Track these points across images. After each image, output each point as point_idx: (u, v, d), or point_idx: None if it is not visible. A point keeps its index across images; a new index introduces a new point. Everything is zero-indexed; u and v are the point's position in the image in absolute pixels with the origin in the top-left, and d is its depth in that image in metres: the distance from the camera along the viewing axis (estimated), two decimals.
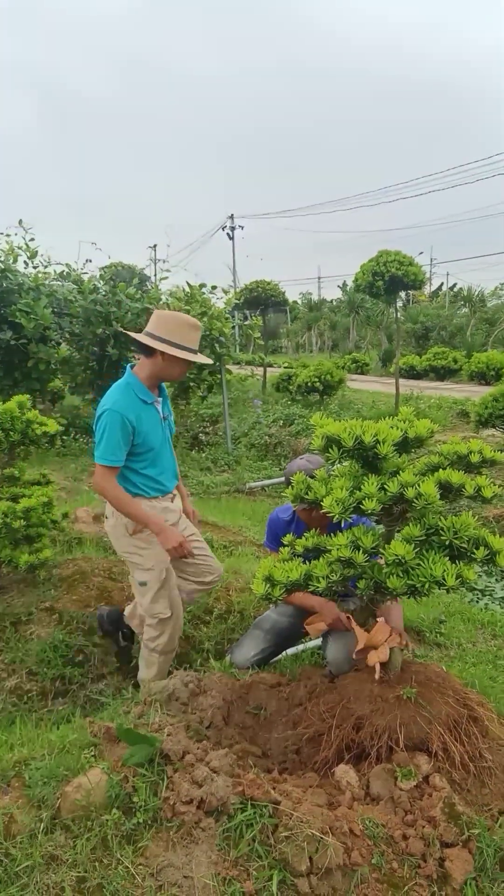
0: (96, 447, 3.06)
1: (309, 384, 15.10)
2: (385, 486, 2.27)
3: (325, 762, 2.55)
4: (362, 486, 2.27)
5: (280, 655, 3.72)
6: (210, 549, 3.63)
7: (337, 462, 2.37)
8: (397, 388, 12.81)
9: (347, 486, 2.31)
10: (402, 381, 18.76)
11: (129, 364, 3.30)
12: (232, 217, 43.12)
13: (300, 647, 3.92)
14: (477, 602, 6.22)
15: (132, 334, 3.20)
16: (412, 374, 23.42)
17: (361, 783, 2.39)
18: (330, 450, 2.35)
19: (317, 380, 14.99)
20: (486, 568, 7.18)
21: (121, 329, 8.25)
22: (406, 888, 2.08)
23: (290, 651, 3.84)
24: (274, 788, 2.30)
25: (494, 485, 2.26)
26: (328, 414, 10.53)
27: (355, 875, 2.08)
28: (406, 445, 2.40)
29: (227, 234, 43.06)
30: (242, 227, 43.62)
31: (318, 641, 3.92)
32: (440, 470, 2.31)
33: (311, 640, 4.05)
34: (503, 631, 4.98)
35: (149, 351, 3.12)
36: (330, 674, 3.08)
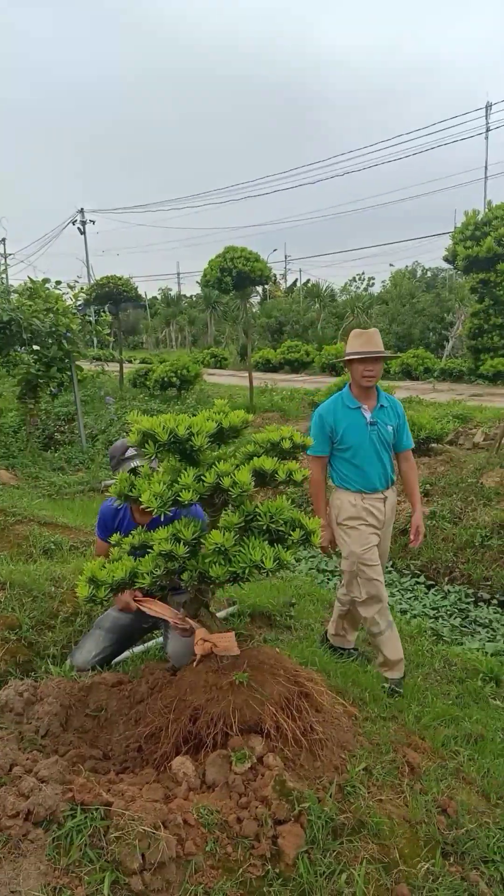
0: None
1: (166, 379, 15.04)
2: (203, 477, 2.28)
3: (165, 757, 2.54)
4: (180, 479, 2.27)
5: (126, 654, 3.66)
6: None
7: (154, 456, 2.35)
8: (251, 382, 13.02)
9: (166, 480, 2.30)
10: (258, 374, 19.09)
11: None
12: (82, 211, 42.03)
13: (149, 643, 3.89)
14: (328, 582, 6.44)
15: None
16: (268, 367, 23.91)
17: (198, 773, 2.40)
18: (146, 445, 2.33)
19: (173, 375, 14.95)
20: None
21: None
22: (240, 871, 2.11)
23: (138, 649, 3.80)
24: (109, 790, 2.26)
25: (305, 469, 2.32)
26: (185, 408, 10.51)
27: (189, 865, 2.08)
28: (222, 436, 2.42)
29: (79, 228, 41.95)
30: (94, 222, 42.64)
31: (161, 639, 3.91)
32: (255, 458, 2.34)
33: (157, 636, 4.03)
34: None
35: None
36: (172, 668, 3.07)
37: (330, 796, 2.36)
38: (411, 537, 3.92)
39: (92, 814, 2.12)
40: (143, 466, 2.62)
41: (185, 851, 2.10)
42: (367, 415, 3.73)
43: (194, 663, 2.70)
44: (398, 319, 23.96)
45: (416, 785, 2.67)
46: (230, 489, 2.23)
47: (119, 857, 2.03)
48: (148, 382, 16.22)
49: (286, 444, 2.39)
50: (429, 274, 36.09)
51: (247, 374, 14.22)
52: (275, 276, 40.39)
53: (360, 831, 2.34)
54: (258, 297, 38.48)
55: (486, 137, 31.26)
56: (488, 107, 31.04)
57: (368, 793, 2.48)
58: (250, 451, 2.46)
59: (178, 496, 2.23)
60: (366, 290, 38.30)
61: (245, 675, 2.51)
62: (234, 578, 2.30)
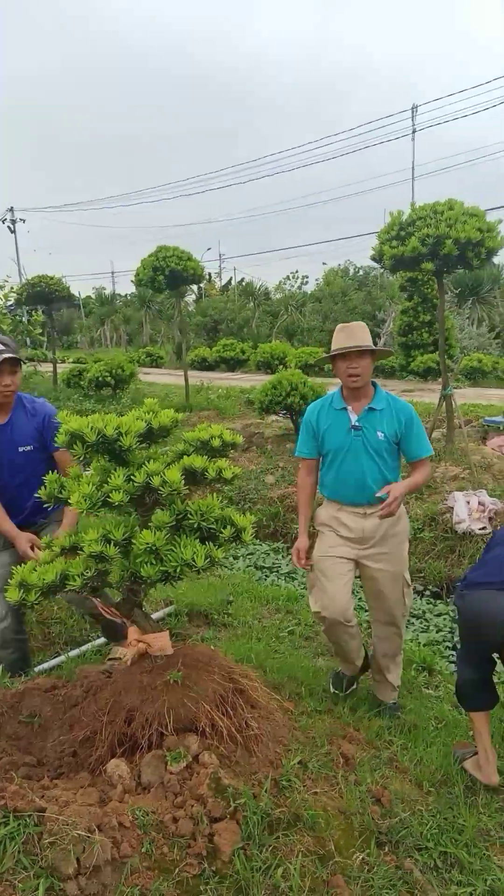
0: None
1: (101, 379, 14.84)
2: (132, 477, 2.26)
3: (100, 760, 2.51)
4: (110, 479, 2.25)
5: (60, 658, 3.61)
6: None
7: (83, 457, 2.32)
8: (186, 381, 12.99)
9: (95, 481, 2.27)
10: (194, 372, 19.04)
11: None
12: (12, 210, 41.06)
13: (85, 647, 3.84)
14: (265, 579, 6.48)
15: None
16: (204, 365, 23.87)
17: (133, 774, 2.38)
18: (75, 446, 2.29)
19: (108, 374, 14.78)
20: (274, 546, 7.52)
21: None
22: (177, 870, 2.10)
23: (73, 653, 3.75)
24: (42, 796, 2.22)
25: (235, 467, 2.33)
26: (121, 408, 10.39)
27: (125, 867, 2.06)
28: (152, 436, 2.41)
29: (9, 227, 40.98)
30: (24, 221, 41.75)
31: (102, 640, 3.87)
32: (185, 457, 2.34)
33: (98, 636, 3.98)
34: (286, 604, 5.24)
35: None
36: (107, 671, 3.04)
37: (265, 791, 2.38)
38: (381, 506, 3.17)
39: (25, 820, 2.08)
40: (72, 468, 2.58)
41: (120, 854, 2.08)
42: (352, 417, 3.31)
43: (128, 664, 2.68)
44: (331, 317, 24.27)
45: (351, 776, 2.72)
46: (160, 488, 2.22)
47: (54, 862, 1.99)
48: (82, 382, 15.97)
49: (216, 443, 2.39)
50: (361, 272, 36.70)
51: (183, 373, 14.17)
52: (209, 274, 40.38)
53: (296, 825, 2.36)
54: (193, 296, 38.37)
55: (413, 139, 32.03)
56: (414, 109, 31.79)
57: (304, 786, 2.51)
58: (180, 449, 2.45)
59: (108, 497, 2.21)
60: (299, 288, 38.65)
61: (179, 674, 2.50)
62: (165, 577, 2.29)
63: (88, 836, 2.04)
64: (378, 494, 3.16)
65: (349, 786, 2.64)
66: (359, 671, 3.64)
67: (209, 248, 45.70)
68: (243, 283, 42.25)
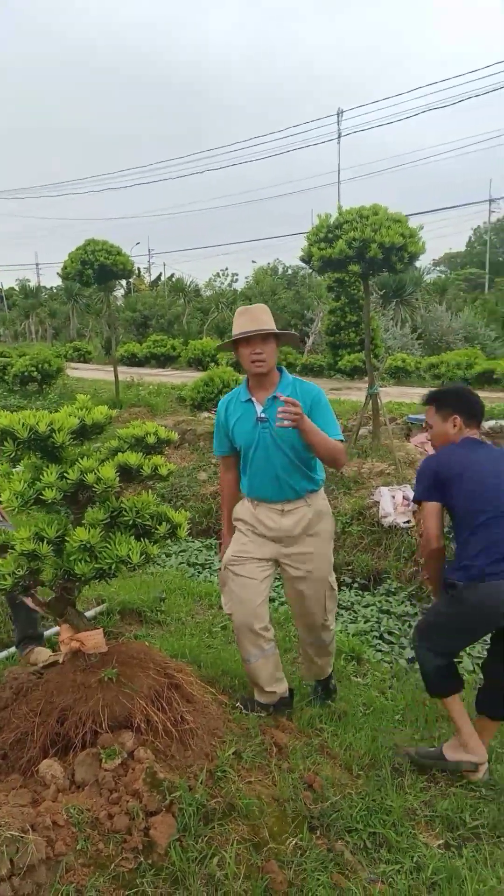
0: None
1: (26, 373, 14.50)
2: (66, 475, 2.25)
3: (32, 761, 2.48)
4: (42, 477, 2.22)
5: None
6: None
7: (14, 454, 2.29)
8: (116, 376, 12.84)
9: (27, 478, 2.25)
10: (124, 368, 18.81)
11: None
12: None
13: (11, 649, 3.77)
14: (198, 575, 6.49)
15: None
16: (134, 361, 23.63)
17: (67, 774, 2.37)
18: (5, 443, 2.26)
19: (34, 369, 14.45)
20: (206, 542, 7.54)
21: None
22: (112, 865, 2.11)
23: (1, 654, 3.68)
24: None
25: (171, 464, 2.35)
26: (48, 403, 10.13)
27: (60, 865, 2.05)
28: (85, 433, 2.40)
29: None
30: None
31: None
32: (120, 454, 2.34)
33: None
34: (218, 600, 5.27)
35: None
36: (38, 672, 3.00)
37: (201, 783, 2.41)
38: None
39: None
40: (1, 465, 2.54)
41: (55, 852, 2.07)
42: (258, 409, 3.08)
43: (61, 664, 2.66)
44: None
45: (284, 764, 2.78)
46: (95, 485, 2.22)
47: None
48: (6, 377, 15.56)
49: (151, 440, 2.40)
50: (289, 271, 37.07)
51: (112, 369, 14.00)
52: (138, 269, 39.93)
53: (231, 814, 2.40)
54: (122, 291, 37.89)
55: (339, 143, 32.58)
56: (340, 113, 32.31)
57: (238, 776, 2.55)
58: (115, 446, 2.45)
59: (41, 494, 2.19)
60: (230, 285, 38.75)
61: (114, 672, 2.50)
62: (100, 575, 2.29)
63: (21, 837, 2.03)
64: (281, 398, 2.78)
65: (282, 773, 2.70)
66: (276, 702, 3.20)
67: (138, 243, 45.10)
68: (173, 279, 42.02)
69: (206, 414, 10.80)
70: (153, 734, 2.48)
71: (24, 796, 2.26)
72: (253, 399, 3.11)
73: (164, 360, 23.51)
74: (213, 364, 15.96)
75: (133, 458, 2.30)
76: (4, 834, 2.01)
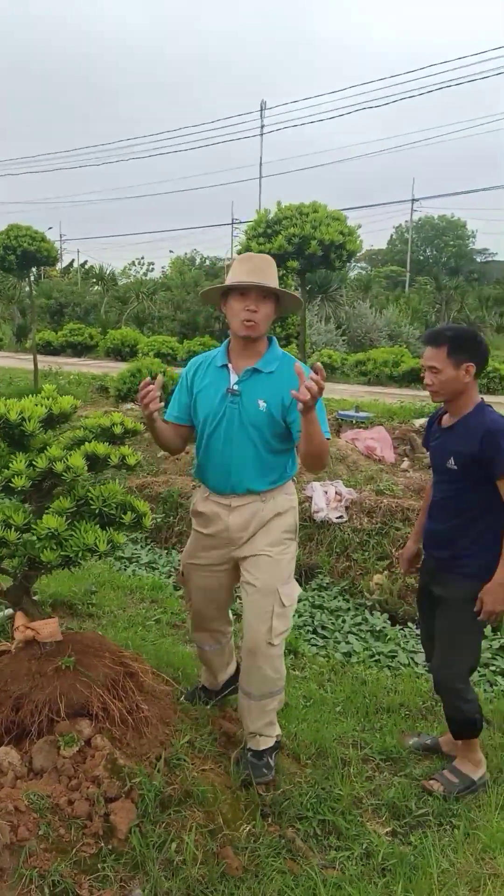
0: None
1: None
2: (34, 463, 2.28)
3: None
4: (10, 465, 2.25)
5: None
6: None
7: None
8: (35, 365, 12.57)
9: None
10: (39, 357, 18.35)
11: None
12: None
13: None
14: (125, 569, 6.51)
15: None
16: (49, 349, 23.10)
17: (24, 761, 2.40)
18: None
19: None
20: (132, 536, 7.55)
21: None
22: (74, 850, 2.17)
23: None
24: None
25: (137, 454, 2.42)
26: None
27: (23, 851, 2.10)
28: (52, 422, 2.43)
29: None
30: None
31: None
32: (86, 443, 2.39)
33: None
34: (150, 594, 5.33)
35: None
36: None
37: (158, 770, 2.49)
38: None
39: None
40: None
41: (18, 837, 2.12)
42: (232, 378, 2.68)
43: (12, 652, 2.68)
44: (183, 307, 24.38)
45: (233, 752, 2.89)
46: (63, 474, 2.26)
47: None
48: None
49: (118, 430, 2.46)
50: (207, 262, 37.15)
51: (24, 357, 13.71)
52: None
53: (187, 801, 2.49)
54: (33, 277, 36.82)
55: (261, 136, 32.87)
56: (263, 104, 32.60)
57: (192, 764, 2.64)
58: (79, 435, 2.50)
59: (10, 482, 2.21)
60: (145, 274, 38.48)
61: (72, 660, 2.54)
62: (66, 562, 2.33)
63: None
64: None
65: (232, 762, 2.81)
66: (220, 689, 3.20)
67: (50, 228, 44.07)
68: (86, 266, 41.28)
69: (129, 405, 10.77)
70: (110, 722, 2.54)
71: None
72: (229, 366, 2.71)
73: (80, 350, 23.10)
74: (132, 356, 15.86)
75: (100, 448, 2.36)
76: None
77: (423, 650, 3.41)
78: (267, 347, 2.73)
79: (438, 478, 2.97)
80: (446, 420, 2.91)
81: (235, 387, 2.66)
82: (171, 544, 7.19)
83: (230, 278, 2.64)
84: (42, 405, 2.38)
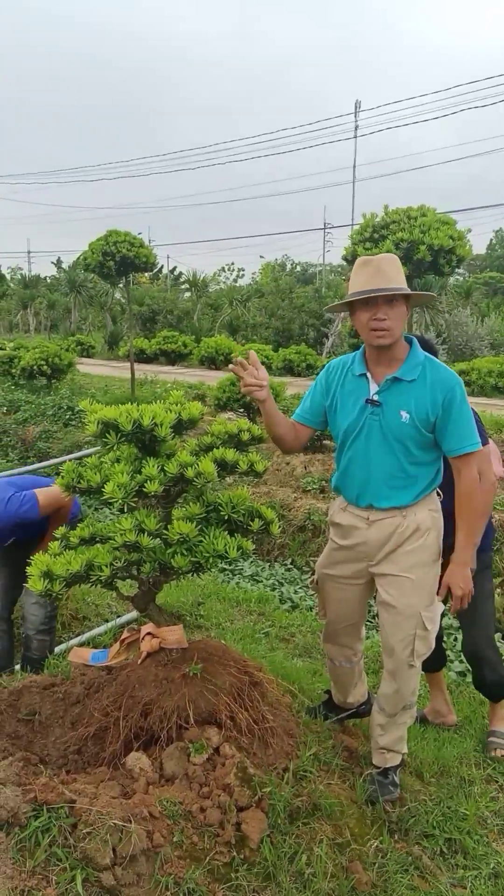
0: None
1: (35, 367, 14.66)
2: (165, 468, 2.39)
3: (115, 755, 2.62)
4: (143, 469, 2.37)
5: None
6: None
7: (115, 446, 2.43)
8: (132, 373, 13.00)
9: (128, 471, 2.39)
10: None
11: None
12: None
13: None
14: (228, 582, 6.64)
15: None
16: (142, 357, 23.80)
17: (154, 767, 2.51)
18: (107, 435, 2.40)
19: (44, 363, 14.62)
20: None
21: None
22: (207, 858, 2.25)
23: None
24: (68, 789, 2.32)
25: (266, 461, 2.50)
26: (60, 399, 10.27)
27: (158, 857, 2.19)
28: (180, 428, 2.54)
29: None
30: None
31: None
32: (214, 449, 2.49)
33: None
34: (257, 606, 5.42)
35: None
36: (108, 667, 3.14)
37: (286, 782, 2.55)
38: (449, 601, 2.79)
39: (56, 812, 2.19)
40: (90, 458, 2.69)
41: (153, 843, 2.21)
42: (371, 388, 2.64)
43: (140, 660, 2.80)
44: (277, 314, 24.59)
45: (357, 768, 2.92)
46: (194, 479, 2.36)
47: (89, 853, 2.11)
48: (14, 370, 15.72)
49: (245, 437, 2.55)
50: (298, 268, 37.34)
51: (117, 364, 14.20)
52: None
53: (315, 813, 2.54)
54: (121, 284, 38.00)
55: (356, 137, 32.55)
56: (357, 105, 32.34)
57: (318, 777, 2.69)
58: (206, 442, 2.60)
59: (143, 487, 2.33)
60: (235, 280, 39.08)
61: (199, 667, 2.64)
62: (196, 568, 2.43)
63: (125, 826, 2.16)
64: (439, 597, 2.74)
65: (355, 777, 2.84)
66: (347, 707, 3.19)
67: (140, 233, 45.15)
68: (175, 273, 42.27)
69: (228, 414, 10.95)
70: (237, 731, 2.62)
71: (114, 788, 2.39)
72: (368, 375, 2.66)
73: (174, 357, 23.66)
74: (226, 364, 16.11)
75: (229, 455, 2.45)
76: (108, 823, 2.15)
77: None
78: (407, 352, 2.65)
79: None
80: None
81: (376, 397, 2.62)
82: (272, 557, 7.27)
83: (350, 288, 2.60)
84: (172, 411, 2.48)
